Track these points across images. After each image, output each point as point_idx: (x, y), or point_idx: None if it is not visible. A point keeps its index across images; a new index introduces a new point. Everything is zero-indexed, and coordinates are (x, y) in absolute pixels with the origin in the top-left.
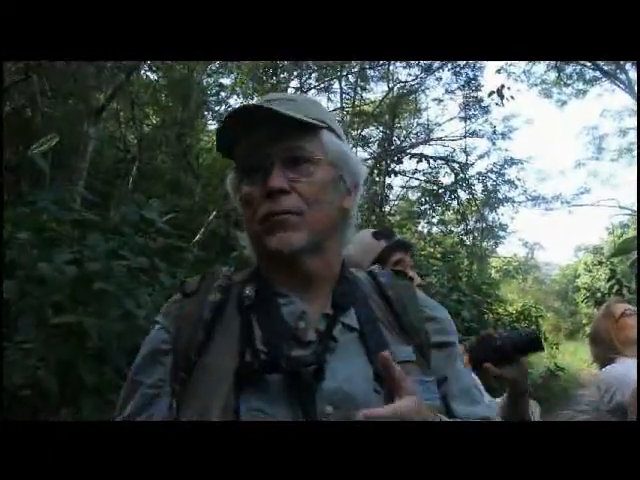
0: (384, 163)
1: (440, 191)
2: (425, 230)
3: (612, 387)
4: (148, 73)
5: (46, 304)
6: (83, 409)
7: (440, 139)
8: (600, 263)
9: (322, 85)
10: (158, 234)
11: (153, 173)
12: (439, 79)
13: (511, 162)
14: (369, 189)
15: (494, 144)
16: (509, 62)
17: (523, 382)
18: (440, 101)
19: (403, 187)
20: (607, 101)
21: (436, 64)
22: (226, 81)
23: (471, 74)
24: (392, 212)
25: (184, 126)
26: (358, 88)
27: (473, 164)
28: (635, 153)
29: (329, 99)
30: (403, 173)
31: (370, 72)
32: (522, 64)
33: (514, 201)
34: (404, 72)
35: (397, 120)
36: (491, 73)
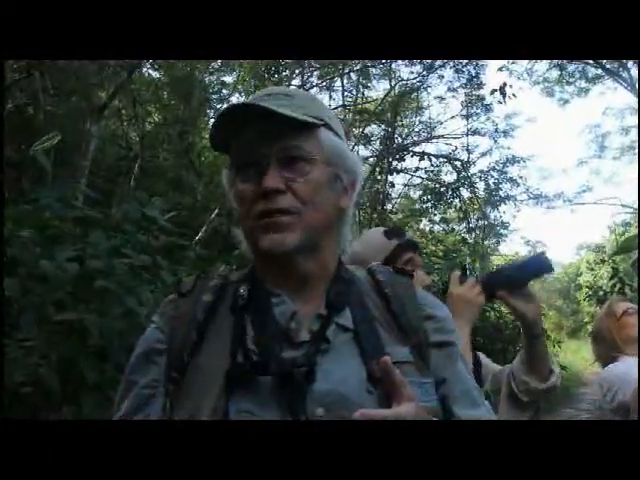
0: (386, 161)
1: (442, 189)
2: (427, 228)
3: (614, 386)
4: (150, 71)
5: (48, 302)
6: (84, 407)
7: (442, 137)
8: (602, 261)
9: (324, 83)
10: (160, 232)
11: (155, 171)
12: (441, 77)
13: (513, 160)
14: (371, 187)
15: (496, 142)
16: (511, 60)
17: (536, 320)
18: (442, 99)
19: (405, 185)
20: (610, 99)
21: (438, 62)
22: (228, 79)
23: (473, 72)
24: (394, 210)
25: (186, 124)
26: (360, 86)
27: (475, 162)
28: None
29: (331, 97)
30: (405, 171)
31: (372, 70)
32: (524, 62)
33: (516, 199)
34: (406, 70)
35: (399, 118)
36: (493, 71)
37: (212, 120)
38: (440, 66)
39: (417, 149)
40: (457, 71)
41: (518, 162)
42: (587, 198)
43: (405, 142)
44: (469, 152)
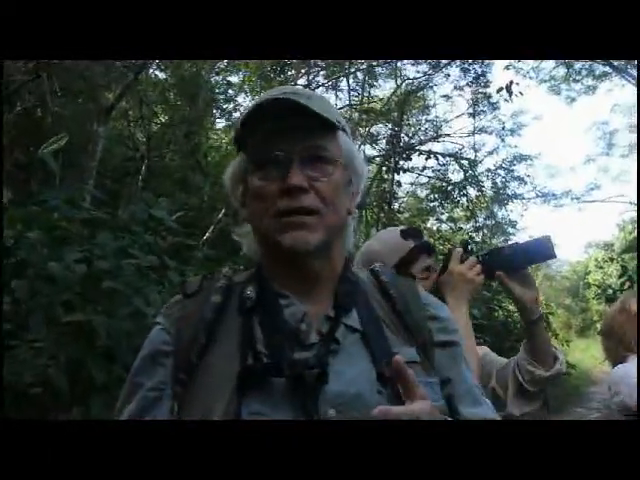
0: (392, 160)
1: (449, 188)
2: (435, 227)
3: (620, 388)
4: (157, 72)
5: (56, 303)
6: (92, 407)
7: (448, 135)
8: (611, 260)
9: (330, 83)
10: (167, 232)
11: (162, 171)
12: (447, 76)
13: (520, 158)
14: (378, 186)
15: (503, 140)
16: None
17: (532, 306)
18: (448, 98)
19: (412, 184)
20: (617, 96)
21: (444, 61)
22: (234, 79)
23: (479, 70)
24: (401, 209)
25: (192, 124)
26: (366, 85)
27: (482, 161)
28: None
29: (337, 97)
30: (412, 170)
31: (378, 69)
32: (530, 61)
33: (523, 197)
34: (412, 69)
35: (405, 117)
36: (500, 69)
37: (219, 120)
38: (446, 65)
39: (424, 148)
40: (463, 70)
41: (525, 160)
42: (595, 196)
43: (412, 141)
44: (476, 151)
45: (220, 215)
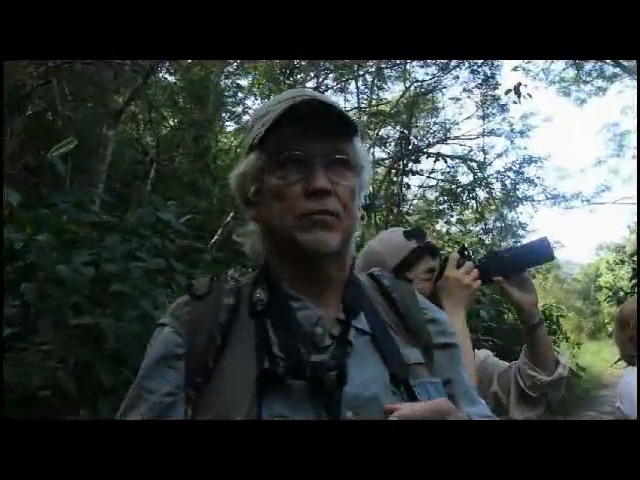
0: (401, 163)
1: (458, 190)
2: (444, 229)
3: (623, 397)
4: (166, 75)
5: (65, 306)
6: (101, 410)
7: (457, 138)
8: (622, 262)
9: (339, 85)
10: (176, 235)
11: (171, 175)
12: (456, 77)
13: (530, 160)
14: (387, 189)
15: (512, 142)
16: (525, 60)
17: (531, 310)
18: (458, 100)
19: (420, 186)
20: (628, 97)
21: (453, 62)
22: (243, 82)
23: (489, 72)
24: (410, 212)
25: (201, 127)
26: (375, 88)
27: (491, 163)
28: None
29: (346, 99)
30: (421, 172)
31: (387, 72)
32: (540, 62)
33: (533, 200)
34: (421, 71)
35: (414, 119)
36: (509, 71)
37: (228, 124)
38: (455, 67)
39: (433, 150)
40: (472, 71)
41: (535, 162)
42: (606, 198)
43: (421, 143)
44: (485, 153)
45: (228, 218)
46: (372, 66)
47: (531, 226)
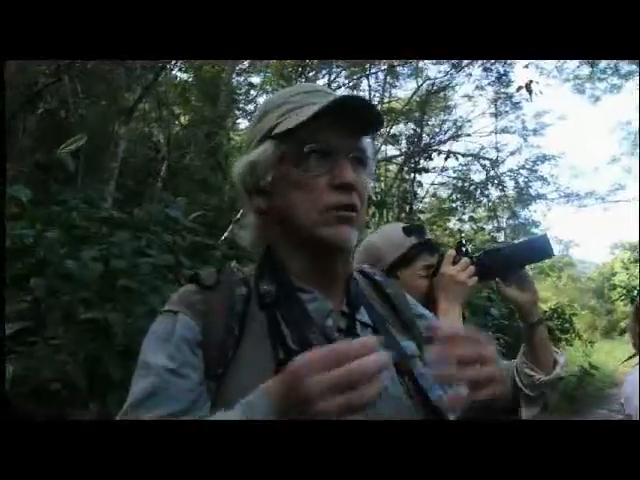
0: (413, 160)
1: (471, 188)
2: (456, 227)
3: (626, 398)
4: (178, 73)
5: (74, 301)
6: (109, 404)
7: (469, 135)
8: (637, 261)
9: (351, 83)
10: (187, 232)
11: (183, 172)
12: (469, 75)
13: (544, 159)
14: (399, 187)
15: (526, 140)
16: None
17: (531, 308)
18: (470, 97)
19: (432, 184)
20: None
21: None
22: (255, 80)
23: (502, 70)
24: (422, 210)
25: (214, 125)
26: (387, 85)
27: (504, 161)
28: None
29: None
30: (433, 170)
31: (399, 69)
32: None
33: (546, 198)
34: (434, 69)
35: (427, 117)
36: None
37: (240, 121)
38: (468, 64)
39: (445, 148)
40: (485, 69)
41: (549, 160)
42: (620, 196)
43: (433, 141)
44: (498, 150)
45: (239, 215)
46: (384, 64)
47: (545, 224)
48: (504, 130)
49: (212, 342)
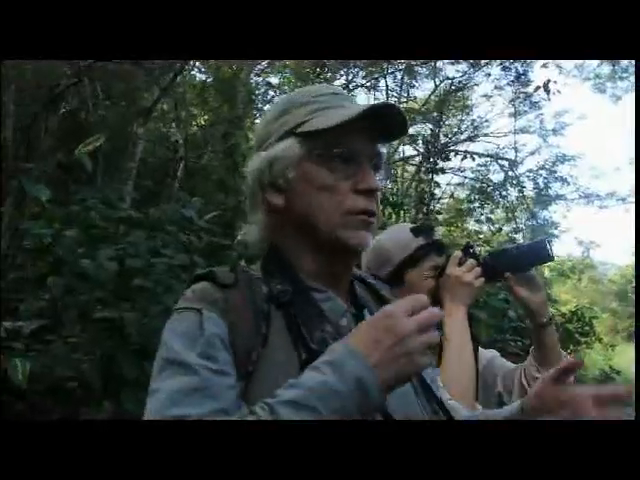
0: (431, 161)
1: (489, 189)
2: (473, 228)
3: None
4: (196, 73)
5: (90, 300)
6: (124, 402)
7: (486, 135)
8: None
9: (369, 83)
10: (204, 232)
11: (200, 172)
12: (487, 75)
13: (563, 159)
14: (416, 187)
15: (545, 141)
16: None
17: (540, 309)
18: (489, 97)
19: (449, 184)
20: None
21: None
22: (274, 80)
23: (521, 69)
24: (439, 210)
25: (231, 125)
26: (405, 85)
27: (523, 161)
28: None
29: (375, 97)
30: (451, 170)
31: (417, 69)
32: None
33: (566, 198)
34: (452, 68)
35: (445, 117)
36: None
37: (258, 121)
38: (486, 64)
39: (463, 148)
40: (504, 68)
41: (568, 161)
42: None
43: (451, 141)
44: (517, 151)
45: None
46: (402, 63)
47: (564, 225)
48: (523, 130)
49: (239, 340)
